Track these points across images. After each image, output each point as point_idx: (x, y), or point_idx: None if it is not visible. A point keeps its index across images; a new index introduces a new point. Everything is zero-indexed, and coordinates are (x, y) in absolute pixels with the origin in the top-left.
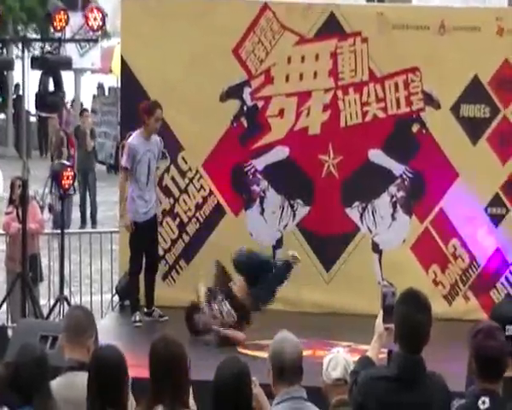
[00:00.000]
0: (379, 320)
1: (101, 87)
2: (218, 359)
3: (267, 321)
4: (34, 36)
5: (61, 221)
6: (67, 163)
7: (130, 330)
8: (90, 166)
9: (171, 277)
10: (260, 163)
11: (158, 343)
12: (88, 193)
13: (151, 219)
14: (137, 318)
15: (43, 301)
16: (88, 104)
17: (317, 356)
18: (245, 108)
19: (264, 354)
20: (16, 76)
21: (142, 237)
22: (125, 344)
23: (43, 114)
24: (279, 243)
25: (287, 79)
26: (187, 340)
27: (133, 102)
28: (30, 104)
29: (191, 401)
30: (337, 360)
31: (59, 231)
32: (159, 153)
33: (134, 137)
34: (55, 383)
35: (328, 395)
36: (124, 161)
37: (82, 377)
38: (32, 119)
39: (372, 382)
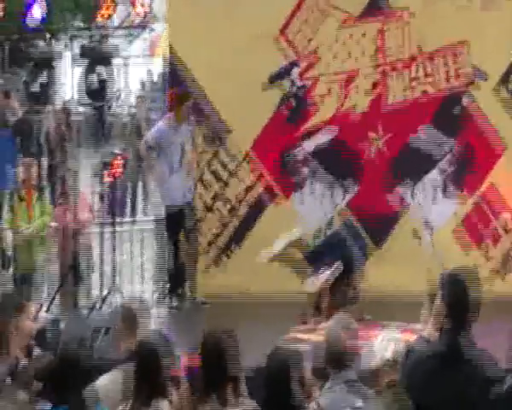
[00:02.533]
0: (438, 300)
1: (149, 73)
2: (270, 344)
3: None
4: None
5: (111, 210)
6: (118, 151)
7: (182, 318)
8: None
9: (222, 261)
10: (310, 144)
11: (209, 336)
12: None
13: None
14: (174, 303)
15: (95, 292)
16: (136, 92)
17: (370, 336)
18: (294, 89)
19: (318, 337)
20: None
21: (178, 223)
22: (176, 332)
23: (97, 103)
24: (330, 224)
25: (334, 57)
26: (237, 326)
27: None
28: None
29: (243, 388)
30: (388, 339)
31: (111, 220)
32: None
33: (162, 123)
34: (111, 376)
35: (379, 377)
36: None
37: None
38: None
39: (420, 360)
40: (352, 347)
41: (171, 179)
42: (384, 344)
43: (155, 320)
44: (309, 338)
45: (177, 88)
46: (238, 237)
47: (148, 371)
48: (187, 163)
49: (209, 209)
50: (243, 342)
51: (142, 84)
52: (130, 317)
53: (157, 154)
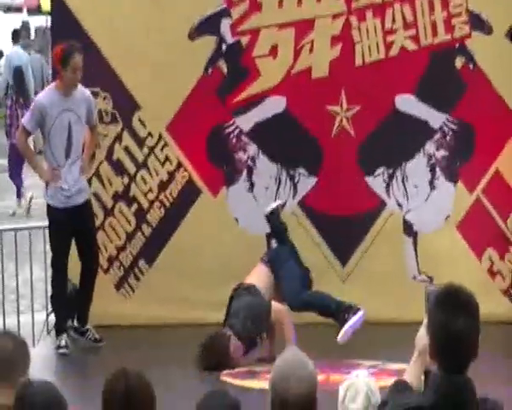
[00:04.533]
0: (422, 331)
1: (25, 28)
2: (196, 395)
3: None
4: None
5: None
6: None
7: (72, 362)
8: None
9: (129, 285)
10: (247, 121)
11: (116, 380)
12: None
13: (79, 205)
14: (63, 342)
15: None
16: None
17: (331, 382)
18: (223, 48)
19: (262, 385)
20: None
21: (66, 229)
22: (64, 381)
23: None
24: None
25: (280, 4)
26: (150, 373)
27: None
28: None
29: None
30: (357, 387)
31: None
32: (88, 112)
33: (45, 93)
34: None
35: None
36: (25, 120)
37: None
38: None
39: None
40: (307, 399)
41: (65, 171)
42: (351, 393)
43: (37, 364)
44: (249, 386)
45: (64, 44)
46: (149, 252)
47: None
48: (79, 147)
49: (108, 213)
50: (159, 391)
51: (15, 38)
52: (2, 361)
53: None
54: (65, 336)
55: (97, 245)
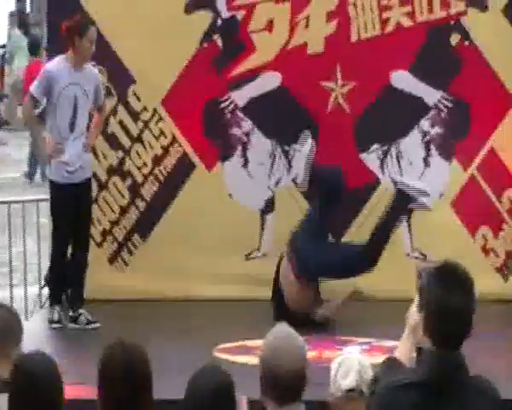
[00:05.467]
0: (413, 308)
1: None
2: (191, 369)
3: (258, 313)
4: None
5: None
6: None
7: (65, 336)
8: None
9: (122, 259)
10: (242, 96)
11: (113, 352)
12: None
13: (81, 182)
14: (55, 316)
15: None
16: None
17: (323, 359)
18: (219, 22)
19: (254, 360)
20: None
21: (67, 205)
22: (58, 354)
23: None
24: (270, 206)
25: None
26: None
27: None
28: None
29: None
30: (349, 363)
31: None
32: (96, 91)
33: (55, 62)
34: None
35: None
36: (33, 87)
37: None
38: None
39: (395, 392)
40: (297, 375)
41: (68, 145)
42: (343, 370)
43: (31, 337)
44: (242, 362)
45: (78, 16)
46: (143, 226)
47: (29, 405)
48: (84, 124)
49: (103, 187)
50: (153, 365)
51: (11, 14)
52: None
53: (46, 111)
54: (58, 308)
55: (90, 230)
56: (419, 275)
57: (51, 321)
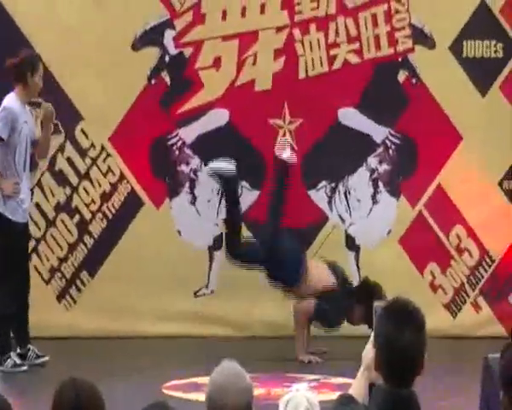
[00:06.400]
0: (369, 345)
1: None
2: (139, 407)
3: (206, 350)
4: None
5: None
6: None
7: (15, 379)
8: None
9: (70, 296)
10: (190, 133)
11: (66, 391)
12: None
13: (27, 221)
14: (17, 360)
15: None
16: None
17: (272, 396)
18: (167, 59)
19: (203, 397)
20: None
21: (23, 245)
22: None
23: None
24: (218, 243)
25: (224, 16)
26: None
27: (6, 54)
28: None
29: None
30: (297, 401)
31: None
32: (33, 128)
33: (12, 99)
34: None
35: None
36: (0, 131)
37: None
38: None
39: None
40: (243, 408)
41: (23, 183)
42: (291, 407)
43: None
44: (188, 398)
45: (28, 51)
46: (91, 263)
47: None
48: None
49: (50, 224)
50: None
51: None
52: None
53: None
54: (13, 353)
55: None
56: (375, 312)
57: (15, 365)
